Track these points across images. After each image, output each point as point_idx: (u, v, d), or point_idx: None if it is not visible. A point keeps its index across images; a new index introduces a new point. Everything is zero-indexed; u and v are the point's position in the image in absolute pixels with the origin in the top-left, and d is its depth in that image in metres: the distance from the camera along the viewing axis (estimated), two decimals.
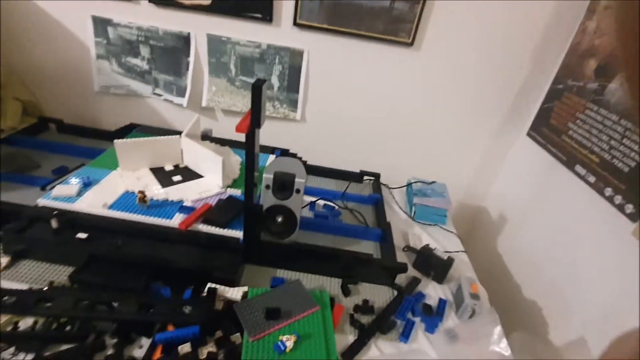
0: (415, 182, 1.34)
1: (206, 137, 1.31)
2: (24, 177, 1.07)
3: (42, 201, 0.88)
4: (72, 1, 1.24)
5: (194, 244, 0.87)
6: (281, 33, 1.26)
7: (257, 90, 0.66)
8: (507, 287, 1.27)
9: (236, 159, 1.20)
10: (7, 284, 0.76)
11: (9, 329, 0.67)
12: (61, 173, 1.11)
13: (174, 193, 0.97)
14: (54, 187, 0.99)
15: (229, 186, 1.05)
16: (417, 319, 0.86)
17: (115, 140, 0.98)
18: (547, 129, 1.24)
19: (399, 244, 1.10)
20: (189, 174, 1.07)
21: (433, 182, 1.35)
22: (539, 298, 1.11)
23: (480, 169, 1.52)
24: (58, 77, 1.40)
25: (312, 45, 1.28)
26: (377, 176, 1.37)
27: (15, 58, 1.36)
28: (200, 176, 1.07)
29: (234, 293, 0.80)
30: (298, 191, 0.89)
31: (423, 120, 1.41)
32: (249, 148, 0.73)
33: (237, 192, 1.03)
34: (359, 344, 0.77)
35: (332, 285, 0.92)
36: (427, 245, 1.03)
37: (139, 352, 0.68)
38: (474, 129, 1.42)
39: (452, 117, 1.40)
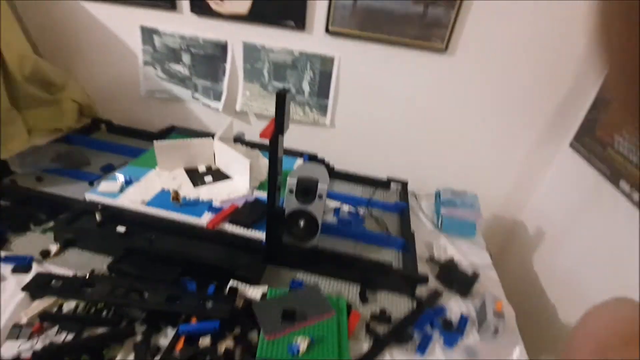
0: (444, 191, 1.30)
1: (238, 140, 1.37)
2: (77, 173, 1.18)
3: (89, 195, 0.97)
4: (124, 12, 1.35)
5: (220, 242, 0.92)
6: (313, 40, 1.28)
7: (280, 99, 0.69)
8: (540, 307, 1.19)
9: (265, 162, 1.24)
10: (56, 269, 0.85)
11: (54, 310, 0.75)
12: (108, 170, 1.22)
13: (205, 193, 1.02)
14: (100, 182, 1.09)
15: (256, 188, 1.09)
16: (435, 333, 0.84)
17: (155, 142, 1.06)
18: (591, 141, 1.15)
19: (422, 254, 1.08)
20: (220, 175, 1.13)
21: (463, 192, 1.31)
22: (574, 322, 1.04)
23: (518, 181, 1.45)
24: (109, 81, 1.53)
25: (343, 51, 1.29)
26: (404, 184, 1.35)
27: (74, 63, 1.51)
28: (229, 177, 1.12)
29: (254, 292, 0.83)
30: (320, 197, 0.91)
31: (456, 128, 1.37)
32: (273, 153, 0.76)
33: (264, 195, 1.07)
34: (373, 353, 0.77)
35: (350, 291, 0.93)
36: (452, 258, 1.00)
37: (164, 341, 0.73)
38: (512, 139, 1.35)
39: (488, 125, 1.35)
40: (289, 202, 0.92)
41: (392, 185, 1.37)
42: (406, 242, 1.06)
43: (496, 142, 1.37)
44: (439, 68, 1.25)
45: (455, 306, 0.93)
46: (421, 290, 0.95)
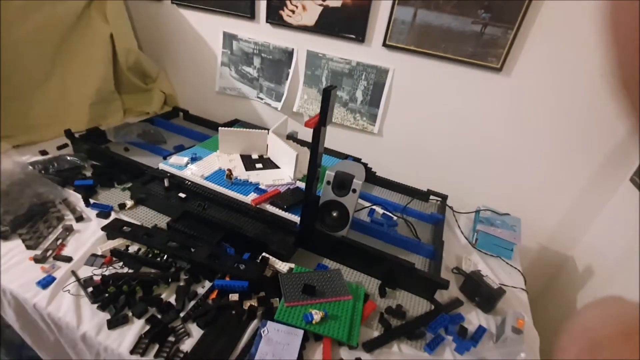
0: (485, 209, 1.28)
1: (291, 137, 1.50)
2: (155, 148, 1.40)
3: (162, 165, 1.15)
4: (211, 19, 1.58)
5: (260, 219, 1.03)
6: (371, 52, 1.38)
7: (327, 94, 0.78)
8: None
9: None
10: (128, 219, 1.02)
11: (122, 249, 0.92)
12: (179, 149, 1.42)
13: (254, 176, 1.15)
14: (171, 158, 1.28)
15: (299, 179, 1.19)
16: (449, 338, 0.85)
17: (220, 127, 1.22)
18: None
19: (450, 265, 1.08)
20: (269, 164, 1.25)
21: (506, 214, 1.27)
22: None
23: (571, 213, 1.36)
24: (191, 77, 1.78)
25: (397, 64, 1.36)
26: (444, 197, 1.36)
27: (165, 58, 1.78)
28: (277, 167, 1.24)
29: (282, 266, 0.92)
30: (354, 191, 0.98)
31: (506, 150, 1.35)
32: (315, 143, 0.86)
33: (304, 186, 1.16)
34: (382, 340, 0.80)
35: (371, 284, 0.97)
36: (479, 270, 0.99)
37: (201, 290, 0.85)
38: (568, 168, 1.29)
39: (542, 151, 1.30)
40: (326, 193, 1.00)
41: (432, 198, 1.38)
42: (435, 250, 1.07)
43: (550, 169, 1.32)
44: (493, 87, 1.26)
45: (474, 318, 0.92)
46: (442, 298, 0.96)
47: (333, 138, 1.57)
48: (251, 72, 1.63)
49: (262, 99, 1.67)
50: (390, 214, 1.24)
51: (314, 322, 0.78)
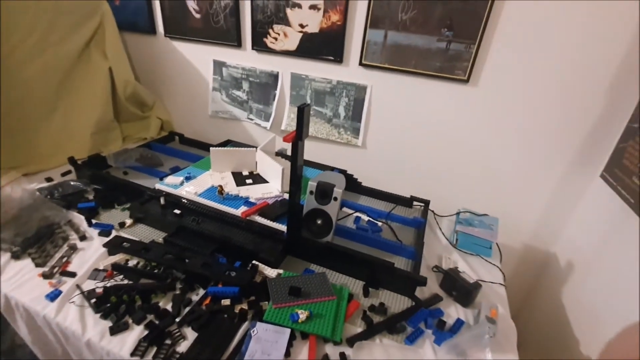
0: (464, 212, 1.36)
1: (280, 154, 1.59)
2: (153, 171, 1.49)
3: (158, 185, 1.24)
4: (201, 49, 1.70)
5: (250, 230, 1.11)
6: (349, 71, 1.49)
7: (301, 112, 0.87)
8: (566, 341, 1.15)
9: None
10: (128, 236, 1.10)
11: (122, 263, 0.99)
12: (175, 171, 1.51)
13: (244, 191, 1.24)
14: (166, 179, 1.38)
15: (286, 192, 1.27)
16: (428, 331, 0.90)
17: (211, 148, 1.31)
18: (619, 171, 1.14)
19: (432, 264, 1.15)
20: (259, 179, 1.34)
21: (484, 214, 1.35)
22: (594, 354, 1.00)
23: (549, 211, 1.43)
24: (185, 102, 1.89)
25: (374, 81, 1.47)
26: (426, 202, 1.43)
27: (160, 86, 1.90)
28: (266, 181, 1.33)
29: (271, 272, 0.99)
30: (335, 199, 1.06)
31: (480, 154, 1.43)
32: (294, 155, 0.94)
33: None
34: (365, 335, 0.86)
35: (355, 286, 1.04)
36: (456, 267, 1.06)
37: (195, 297, 0.92)
38: (540, 168, 1.37)
39: (514, 154, 1.39)
40: (309, 202, 1.08)
41: (415, 204, 1.46)
42: (416, 251, 1.14)
43: (523, 169, 1.40)
44: (463, 97, 1.36)
45: (454, 312, 0.98)
46: (423, 295, 1.02)
47: (320, 153, 1.67)
48: (241, 96, 1.74)
49: (252, 119, 1.77)
50: (374, 221, 1.31)
51: (299, 320, 0.85)
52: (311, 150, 1.68)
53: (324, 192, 1.07)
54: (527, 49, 1.22)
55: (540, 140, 1.33)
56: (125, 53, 1.67)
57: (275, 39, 1.53)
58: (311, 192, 1.07)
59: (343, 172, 1.52)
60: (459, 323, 0.93)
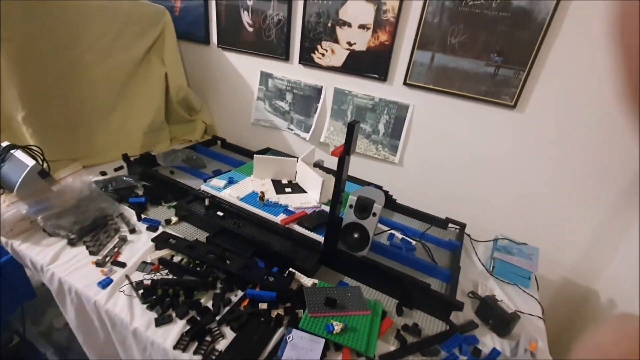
0: (502, 238, 1.32)
1: (317, 165, 1.62)
2: (196, 172, 1.57)
3: (203, 187, 1.30)
4: (251, 60, 1.79)
5: (287, 237, 1.14)
6: (392, 90, 1.51)
7: (351, 128, 0.90)
8: None
9: None
10: (173, 232, 1.16)
11: (168, 258, 1.04)
12: (217, 173, 1.58)
13: (283, 199, 1.27)
14: (210, 181, 1.44)
15: (324, 203, 1.30)
16: (462, 357, 0.89)
17: (255, 155, 1.37)
18: None
19: (467, 289, 1.13)
20: (297, 189, 1.37)
21: (523, 243, 1.31)
22: None
23: (592, 246, 1.37)
24: (230, 109, 1.98)
25: (417, 101, 1.48)
26: (462, 226, 1.41)
27: (208, 92, 2.00)
28: (305, 192, 1.36)
29: (307, 281, 1.01)
30: (374, 214, 1.07)
31: (521, 181, 1.40)
32: (340, 170, 0.97)
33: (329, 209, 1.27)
34: (398, 354, 0.86)
35: (388, 303, 1.03)
36: (494, 295, 1.03)
37: (234, 298, 0.95)
38: (585, 199, 1.32)
39: (557, 183, 1.35)
40: (348, 216, 1.10)
41: (450, 226, 1.44)
42: (452, 274, 1.12)
43: (567, 200, 1.35)
44: (508, 122, 1.35)
45: (489, 341, 0.96)
46: (458, 320, 1.00)
47: (356, 167, 1.69)
48: (283, 106, 1.81)
49: (292, 130, 1.83)
50: (408, 239, 1.31)
51: (334, 332, 0.86)
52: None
53: (363, 207, 1.08)
54: (578, 80, 1.20)
55: (587, 172, 1.29)
56: (181, 61, 1.78)
57: (323, 54, 1.59)
58: (350, 206, 1.09)
59: (379, 187, 1.53)
60: (495, 353, 0.90)
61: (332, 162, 1.65)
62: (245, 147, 1.86)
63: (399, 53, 1.44)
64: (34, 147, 1.16)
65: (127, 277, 0.97)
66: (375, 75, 1.51)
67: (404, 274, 1.04)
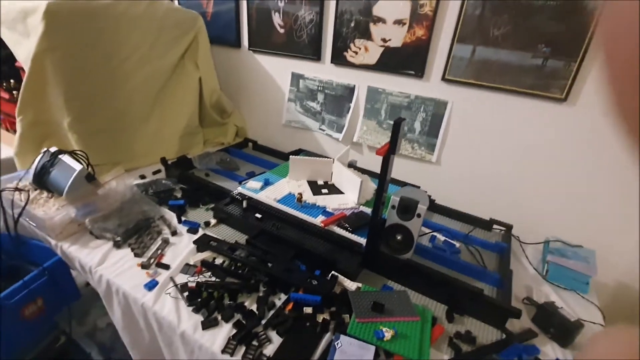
0: (554, 240, 1.24)
1: (352, 165, 1.59)
2: (231, 174, 1.57)
3: (239, 189, 1.30)
4: (281, 62, 1.78)
5: (328, 239, 1.11)
6: (429, 86, 1.46)
7: (397, 126, 0.87)
8: None
9: (371, 185, 1.41)
10: (213, 234, 1.16)
11: (210, 260, 1.04)
12: (251, 175, 1.58)
13: (321, 201, 1.25)
14: (246, 183, 1.44)
15: (362, 204, 1.27)
16: None
17: (291, 157, 1.35)
18: None
19: (519, 295, 1.06)
20: (334, 190, 1.35)
21: (578, 245, 1.22)
22: None
23: None
24: (261, 111, 1.99)
25: (456, 97, 1.42)
26: (509, 227, 1.34)
27: (239, 95, 2.02)
28: (341, 192, 1.33)
29: (350, 284, 0.98)
30: (419, 215, 1.02)
31: (574, 180, 1.31)
32: (384, 169, 0.93)
33: (368, 210, 1.23)
34: None
35: (437, 309, 0.98)
36: (553, 302, 0.96)
37: (277, 301, 0.94)
38: None
39: (610, 181, 1.25)
40: (391, 217, 1.06)
41: (495, 227, 1.37)
42: (502, 278, 1.06)
43: (625, 200, 1.25)
44: (557, 117, 1.26)
45: (550, 352, 0.89)
46: (513, 328, 0.94)
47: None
48: (315, 107, 1.79)
49: (323, 130, 1.80)
50: (451, 242, 1.25)
51: (385, 339, 0.82)
52: (380, 163, 1.67)
53: (406, 208, 1.04)
54: None
55: None
56: (212, 62, 1.81)
57: (356, 52, 1.56)
58: (393, 207, 1.05)
59: (417, 187, 1.48)
60: None
61: (365, 162, 1.62)
62: (277, 149, 1.85)
63: (436, 48, 1.39)
64: (79, 152, 1.19)
65: (172, 279, 0.98)
66: (412, 72, 1.46)
67: (454, 279, 0.99)
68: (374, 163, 1.64)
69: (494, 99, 1.35)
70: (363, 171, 1.54)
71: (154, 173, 1.52)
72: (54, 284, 1.24)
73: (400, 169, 1.63)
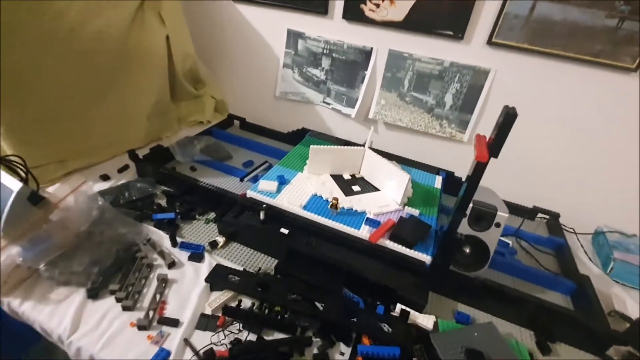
0: (610, 231, 1.13)
1: (371, 149, 1.33)
2: (223, 165, 1.24)
3: (250, 193, 0.99)
4: (274, 16, 1.39)
5: (380, 258, 0.87)
6: (469, 51, 1.20)
7: (509, 118, 0.62)
8: None
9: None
10: (225, 262, 0.87)
11: (234, 304, 0.76)
12: (248, 165, 1.27)
13: (357, 204, 0.99)
14: (249, 178, 1.14)
15: (405, 204, 1.03)
16: None
17: (312, 146, 1.05)
18: None
19: None
20: (366, 185, 1.09)
21: (634, 235, 1.12)
22: None
23: None
24: (247, 81, 1.60)
25: (502, 65, 1.18)
26: (555, 216, 1.20)
27: (217, 60, 1.60)
28: (376, 189, 1.08)
29: (425, 320, 0.77)
30: (498, 225, 0.82)
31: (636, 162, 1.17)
32: (476, 176, 0.70)
33: (413, 211, 1.01)
34: None
35: (521, 335, 0.82)
36: None
37: (339, 357, 0.70)
38: None
39: None
40: (460, 227, 0.85)
41: (539, 216, 1.22)
42: (579, 287, 0.92)
43: None
44: (624, 91, 1.08)
45: None
46: (609, 351, 0.81)
47: (410, 146, 1.41)
48: (318, 75, 1.45)
49: (328, 104, 1.49)
50: (504, 240, 1.08)
51: None
52: (400, 143, 1.43)
53: (480, 216, 0.83)
54: None
55: None
56: (184, 20, 1.36)
57: (377, 5, 1.23)
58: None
59: (450, 173, 1.28)
60: None
61: (381, 143, 1.36)
62: (270, 127, 1.52)
63: (484, 2, 1.11)
64: (12, 158, 0.79)
65: (189, 344, 0.69)
66: (449, 32, 1.18)
67: (534, 298, 0.83)
68: (392, 144, 1.39)
69: (548, 67, 1.13)
70: (380, 154, 1.29)
71: (120, 171, 1.14)
72: (6, 329, 0.89)
73: (423, 149, 1.40)
